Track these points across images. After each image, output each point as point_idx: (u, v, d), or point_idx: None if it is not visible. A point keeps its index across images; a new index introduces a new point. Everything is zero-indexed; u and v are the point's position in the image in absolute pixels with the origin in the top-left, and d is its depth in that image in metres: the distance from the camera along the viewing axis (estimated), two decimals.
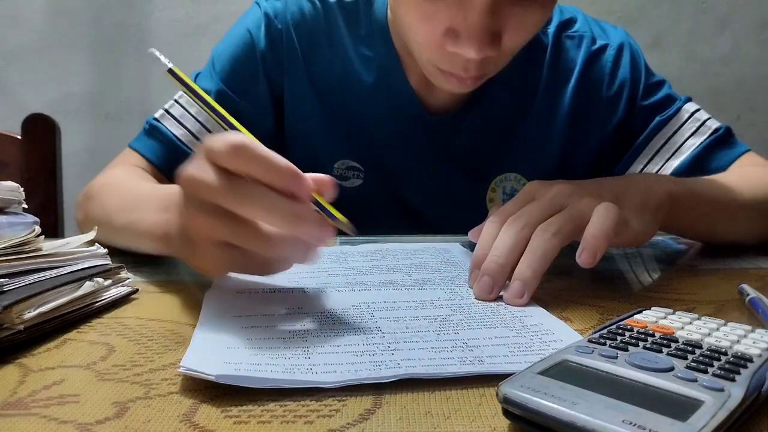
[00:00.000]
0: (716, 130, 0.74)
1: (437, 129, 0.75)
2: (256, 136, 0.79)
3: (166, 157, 0.73)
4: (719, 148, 0.74)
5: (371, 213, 0.78)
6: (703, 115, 0.76)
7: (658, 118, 0.75)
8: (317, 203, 0.41)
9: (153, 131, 0.74)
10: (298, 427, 0.28)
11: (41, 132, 0.96)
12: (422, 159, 0.77)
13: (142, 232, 0.52)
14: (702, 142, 0.73)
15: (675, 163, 0.74)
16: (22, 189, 0.45)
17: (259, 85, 0.75)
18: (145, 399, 0.31)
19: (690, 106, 0.76)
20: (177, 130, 0.73)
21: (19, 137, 0.95)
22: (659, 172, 0.74)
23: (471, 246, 0.62)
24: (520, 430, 0.28)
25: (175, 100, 0.75)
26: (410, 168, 0.77)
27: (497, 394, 0.28)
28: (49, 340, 0.38)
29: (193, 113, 0.74)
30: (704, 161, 0.73)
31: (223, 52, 0.76)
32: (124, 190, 0.64)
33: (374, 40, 0.74)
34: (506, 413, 0.28)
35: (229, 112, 0.74)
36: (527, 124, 0.76)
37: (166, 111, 0.75)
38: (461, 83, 0.63)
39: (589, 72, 0.76)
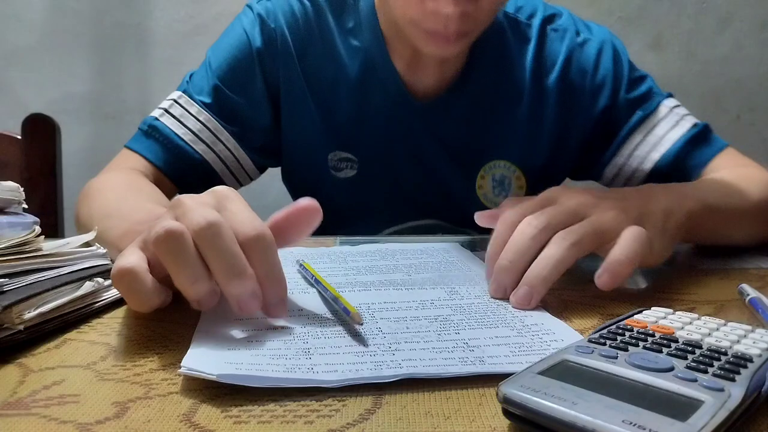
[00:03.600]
0: (695, 125, 0.76)
1: (425, 114, 0.77)
2: (254, 132, 0.79)
3: (166, 157, 0.73)
4: (699, 143, 0.75)
5: (366, 202, 0.81)
6: (682, 110, 0.77)
7: (639, 113, 0.77)
8: (334, 298, 0.42)
9: (152, 131, 0.74)
10: (298, 427, 0.28)
11: (41, 132, 0.95)
12: (412, 145, 0.78)
13: (110, 242, 0.51)
14: (682, 136, 0.75)
15: (656, 155, 0.76)
16: (22, 189, 0.45)
17: (256, 83, 0.76)
18: (145, 399, 0.31)
19: (670, 102, 0.78)
20: (178, 129, 0.74)
21: (19, 137, 0.95)
22: (641, 166, 0.76)
23: (471, 246, 0.63)
24: (520, 430, 0.28)
25: (174, 101, 0.75)
26: (401, 155, 0.79)
27: (497, 394, 0.28)
28: (49, 340, 0.38)
29: (193, 113, 0.74)
30: (685, 157, 0.75)
31: (220, 51, 0.76)
32: (112, 196, 0.64)
33: (361, 30, 0.76)
34: (506, 413, 0.28)
35: (225, 109, 0.75)
36: (514, 112, 0.78)
37: (166, 110, 0.75)
38: (445, 42, 0.64)
39: (573, 62, 0.78)
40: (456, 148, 0.78)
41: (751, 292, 0.46)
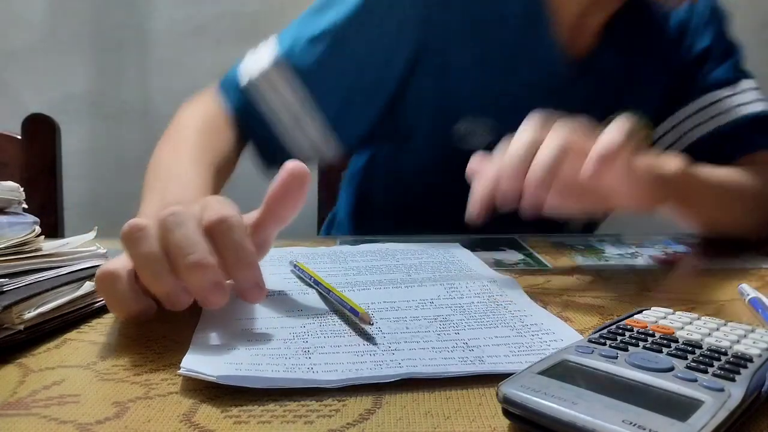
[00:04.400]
0: (765, 111, 0.77)
1: (572, 77, 0.77)
2: (364, 109, 0.73)
3: (251, 123, 0.70)
4: (759, 129, 0.76)
5: None
6: (760, 94, 0.79)
7: (725, 72, 0.79)
8: (340, 300, 0.42)
9: (243, 94, 0.70)
10: (298, 427, 0.28)
11: (41, 132, 0.95)
12: (554, 109, 0.78)
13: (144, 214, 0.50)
14: (751, 114, 0.76)
15: (722, 120, 0.76)
16: (22, 189, 0.45)
17: (400, 45, 0.71)
18: (145, 399, 0.31)
19: (751, 82, 0.79)
20: (269, 101, 0.69)
21: (19, 137, 0.95)
22: (701, 125, 0.78)
23: (471, 245, 0.63)
24: (520, 430, 0.28)
25: (274, 67, 0.69)
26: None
27: (497, 394, 0.28)
28: (49, 340, 0.38)
29: (288, 87, 0.69)
30: (740, 135, 0.76)
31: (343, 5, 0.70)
32: (171, 157, 0.61)
33: None
34: (506, 413, 0.28)
35: (338, 77, 0.69)
36: (647, 61, 0.79)
37: (265, 77, 0.69)
38: None
39: (688, 12, 0.80)
40: (596, 105, 0.77)
41: (751, 292, 0.46)
